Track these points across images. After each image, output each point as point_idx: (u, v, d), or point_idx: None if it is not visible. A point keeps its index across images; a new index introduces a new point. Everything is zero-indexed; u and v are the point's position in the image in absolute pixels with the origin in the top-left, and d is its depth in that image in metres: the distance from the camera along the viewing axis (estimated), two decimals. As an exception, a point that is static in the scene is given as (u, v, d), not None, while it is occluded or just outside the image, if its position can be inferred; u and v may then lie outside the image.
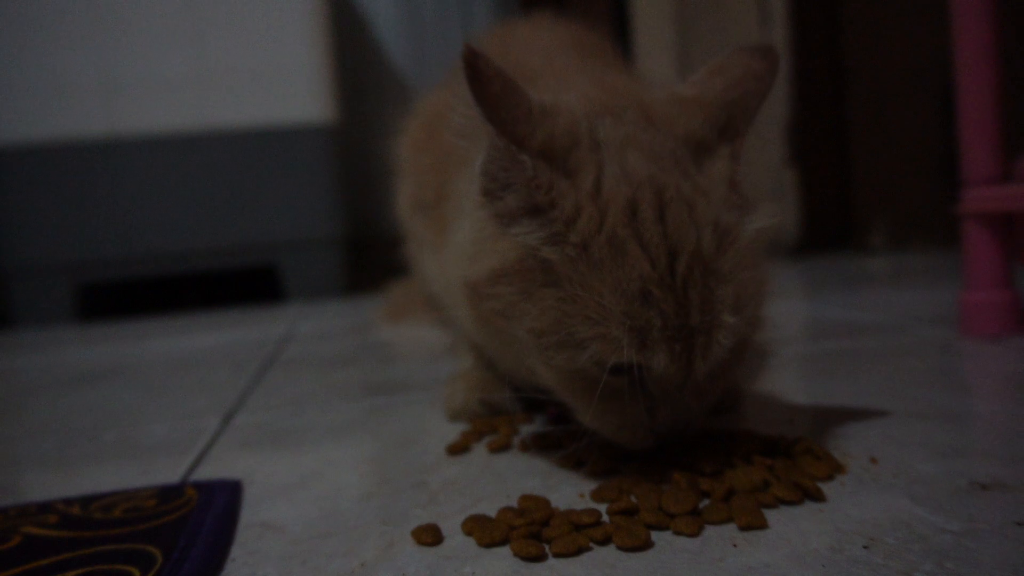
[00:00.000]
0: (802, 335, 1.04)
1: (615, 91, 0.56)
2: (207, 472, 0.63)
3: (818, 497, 0.46)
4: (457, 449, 0.61)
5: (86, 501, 0.55)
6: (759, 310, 0.50)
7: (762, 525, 0.43)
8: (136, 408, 0.92)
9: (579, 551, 0.42)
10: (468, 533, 0.45)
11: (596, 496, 0.49)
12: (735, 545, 0.41)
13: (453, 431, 0.67)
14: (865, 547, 0.39)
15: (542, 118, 0.49)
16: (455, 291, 0.57)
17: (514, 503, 0.48)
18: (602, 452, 0.55)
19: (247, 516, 0.51)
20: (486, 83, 0.46)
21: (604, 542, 0.42)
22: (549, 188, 0.47)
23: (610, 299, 0.46)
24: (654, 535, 0.43)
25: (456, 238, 0.57)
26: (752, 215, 0.51)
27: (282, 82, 2.05)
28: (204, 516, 0.50)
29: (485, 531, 0.44)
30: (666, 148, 0.50)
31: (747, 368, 0.81)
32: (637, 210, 0.47)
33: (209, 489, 0.55)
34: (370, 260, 2.23)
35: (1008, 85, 0.86)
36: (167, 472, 0.64)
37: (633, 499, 0.47)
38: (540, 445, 0.60)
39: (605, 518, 0.45)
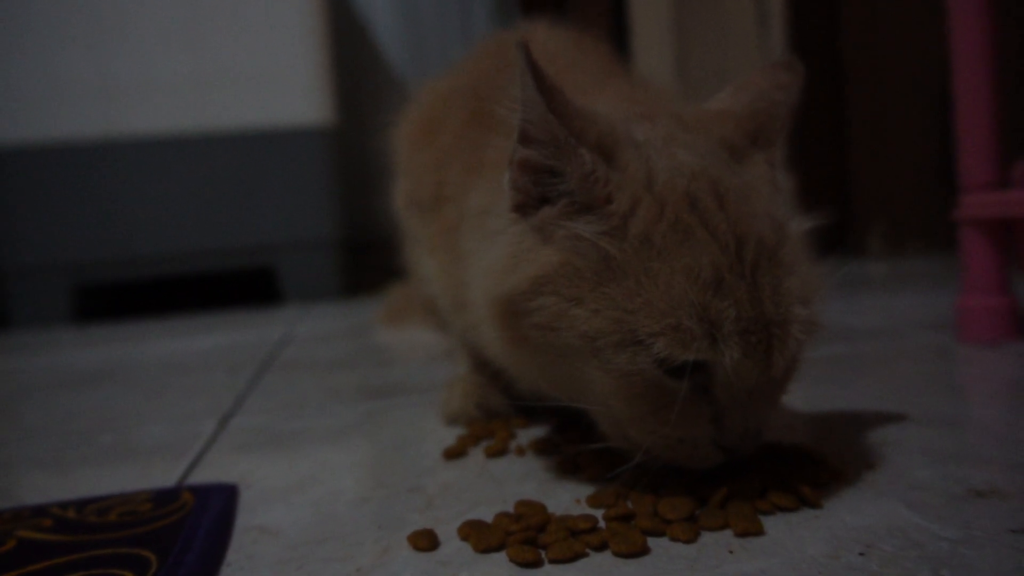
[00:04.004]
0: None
1: (644, 102, 0.56)
2: (203, 475, 0.63)
3: (815, 504, 0.46)
4: (454, 454, 0.61)
5: (81, 504, 0.55)
6: (819, 311, 0.48)
7: (759, 532, 0.43)
8: (133, 410, 0.92)
9: (575, 557, 0.41)
10: (464, 538, 0.45)
11: (592, 502, 0.49)
12: (731, 552, 0.41)
13: (450, 435, 0.67)
14: (861, 554, 0.39)
15: (590, 116, 0.48)
16: (481, 315, 0.53)
17: (510, 508, 0.48)
18: (598, 457, 0.55)
19: (243, 520, 0.51)
20: (544, 77, 0.45)
21: (600, 548, 0.42)
22: (607, 182, 0.46)
23: (679, 288, 0.43)
24: (650, 541, 0.43)
25: (482, 261, 0.53)
26: (795, 218, 0.50)
27: (280, 84, 2.05)
28: (200, 520, 0.50)
29: (481, 536, 0.44)
30: (708, 146, 0.50)
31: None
32: (696, 199, 0.46)
33: (205, 493, 0.55)
34: (368, 262, 2.22)
35: (1005, 90, 0.86)
36: (163, 475, 0.64)
37: (629, 505, 0.47)
38: (537, 450, 0.60)
39: (601, 524, 0.45)
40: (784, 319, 0.45)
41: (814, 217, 0.51)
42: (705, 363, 0.44)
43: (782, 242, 0.47)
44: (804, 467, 0.50)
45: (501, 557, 0.42)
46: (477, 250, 0.56)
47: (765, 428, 0.48)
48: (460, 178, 0.64)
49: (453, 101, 0.72)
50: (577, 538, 0.43)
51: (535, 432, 0.66)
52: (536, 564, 0.41)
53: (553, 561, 0.41)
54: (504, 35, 0.79)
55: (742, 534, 0.43)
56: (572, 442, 0.60)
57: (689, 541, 0.42)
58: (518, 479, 0.55)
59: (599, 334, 0.45)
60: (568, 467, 0.55)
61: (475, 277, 0.55)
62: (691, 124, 0.52)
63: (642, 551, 0.41)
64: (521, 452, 0.61)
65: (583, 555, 0.42)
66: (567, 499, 0.50)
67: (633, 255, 0.45)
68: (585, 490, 0.51)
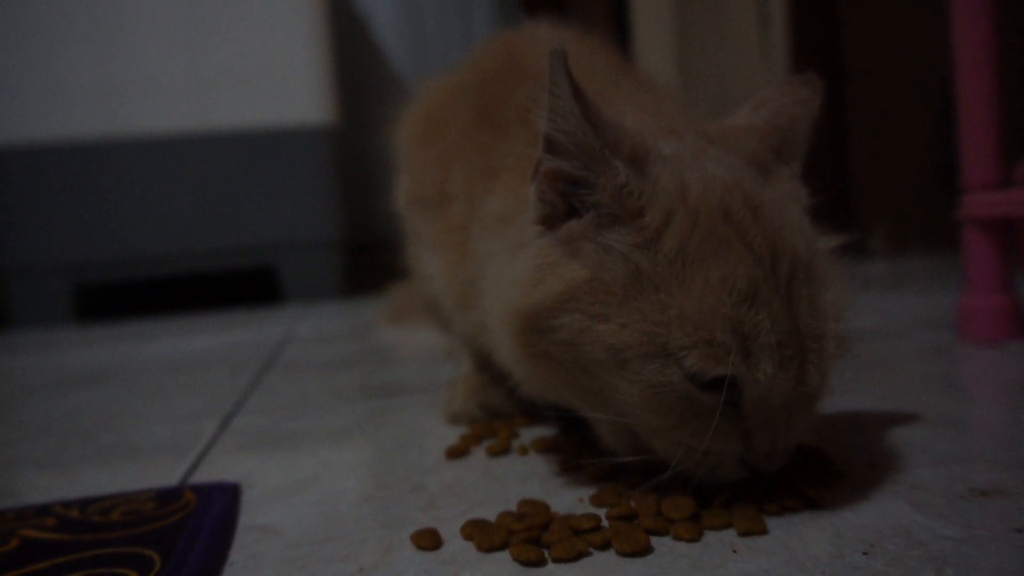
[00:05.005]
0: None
1: (666, 115, 0.55)
2: (205, 475, 0.63)
3: (818, 503, 0.46)
4: (456, 453, 0.61)
5: (84, 504, 0.55)
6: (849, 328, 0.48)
7: (762, 531, 0.43)
8: (135, 410, 0.92)
9: (578, 556, 0.41)
10: (467, 538, 0.45)
11: (595, 501, 0.49)
12: (735, 551, 0.41)
13: (452, 435, 0.67)
14: (865, 553, 0.39)
15: (621, 128, 0.47)
16: (494, 325, 0.52)
17: (513, 508, 0.48)
18: (601, 457, 0.55)
19: (245, 519, 0.51)
20: (579, 86, 0.44)
21: (604, 547, 0.42)
22: (640, 194, 0.45)
23: (713, 300, 0.42)
24: (654, 540, 0.43)
25: (505, 272, 0.52)
26: (823, 234, 0.50)
27: (281, 83, 2.05)
28: (202, 519, 0.50)
29: (484, 536, 0.44)
30: (736, 162, 0.50)
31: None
32: (731, 211, 0.45)
33: (207, 492, 0.55)
34: (369, 262, 2.22)
35: (1008, 90, 0.86)
36: (165, 475, 0.64)
37: (632, 504, 0.47)
38: (540, 449, 0.60)
39: (604, 523, 0.45)
40: (820, 334, 0.44)
41: (841, 235, 0.51)
42: (736, 377, 0.43)
43: (815, 257, 0.47)
44: (807, 466, 0.50)
45: (504, 556, 0.42)
46: (496, 257, 0.55)
47: (793, 446, 0.47)
48: (468, 178, 0.64)
49: (458, 99, 0.72)
50: (580, 537, 0.43)
51: (537, 431, 0.66)
52: (539, 563, 0.41)
53: (556, 560, 0.41)
54: (508, 34, 0.79)
55: (745, 533, 0.43)
56: (575, 442, 0.60)
57: (692, 540, 0.42)
58: (521, 478, 0.55)
59: (627, 347, 0.44)
60: (571, 466, 0.55)
61: (493, 287, 0.54)
62: (716, 139, 0.52)
63: (645, 550, 0.41)
64: (524, 451, 0.61)
65: (586, 554, 0.42)
66: (570, 498, 0.50)
67: (666, 268, 0.44)
68: (588, 489, 0.51)
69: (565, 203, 0.48)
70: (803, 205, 0.51)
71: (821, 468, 0.50)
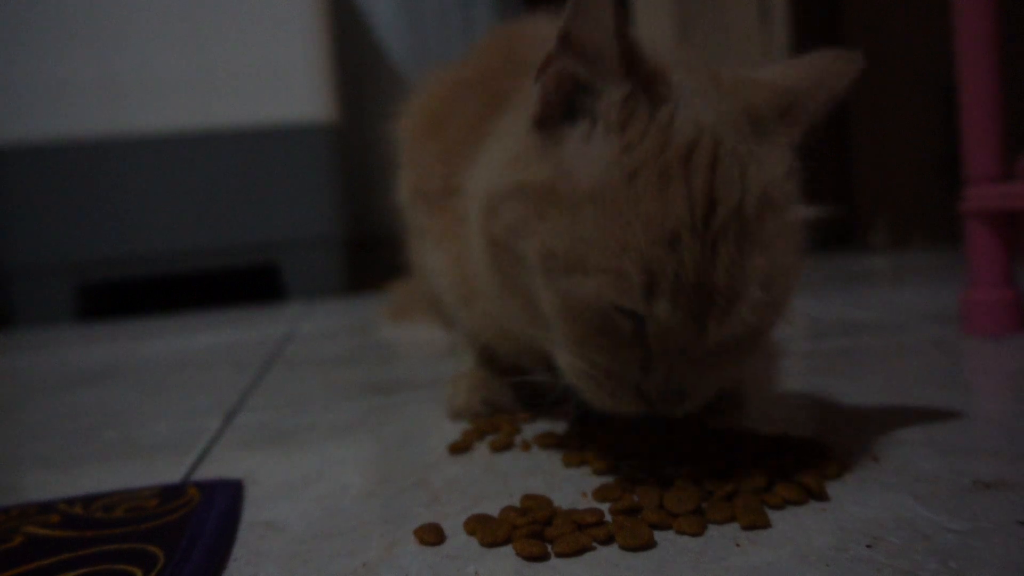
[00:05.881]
0: (804, 334, 1.04)
1: (685, 53, 0.55)
2: (209, 472, 0.63)
3: (821, 496, 0.45)
4: (459, 448, 0.61)
5: (88, 501, 0.55)
6: (787, 300, 0.48)
7: (765, 524, 0.43)
8: (137, 407, 0.92)
9: (582, 550, 0.41)
10: (471, 533, 0.45)
11: (599, 495, 0.48)
12: (738, 545, 0.41)
13: (455, 430, 0.67)
14: (869, 546, 0.39)
15: (643, 46, 0.47)
16: (472, 225, 0.55)
17: (516, 502, 0.48)
18: (605, 452, 0.55)
19: (249, 516, 0.51)
20: None
21: (607, 541, 0.42)
22: (635, 114, 0.46)
23: (636, 232, 0.43)
24: (657, 534, 0.43)
25: (487, 157, 0.55)
26: (799, 205, 0.49)
27: (282, 81, 2.05)
28: (206, 516, 0.50)
29: (488, 531, 0.44)
30: (730, 110, 0.49)
31: (759, 368, 0.81)
32: (692, 154, 0.45)
33: (211, 489, 0.55)
34: (371, 259, 2.22)
35: (1010, 83, 0.86)
36: (169, 472, 0.64)
37: (636, 498, 0.47)
38: (542, 444, 0.60)
39: (608, 517, 0.45)
40: (734, 293, 0.44)
41: (820, 208, 0.50)
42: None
43: (762, 219, 0.46)
44: (810, 460, 0.50)
45: (508, 551, 0.42)
46: (485, 148, 0.58)
47: (696, 396, 0.48)
48: (471, 171, 0.64)
49: (460, 93, 0.72)
50: (583, 532, 0.43)
51: (540, 426, 0.66)
52: (543, 558, 0.41)
53: (560, 555, 0.41)
54: (511, 29, 0.79)
55: (749, 527, 0.43)
56: (578, 436, 0.60)
57: (696, 534, 0.42)
58: (524, 473, 0.55)
59: (553, 254, 0.46)
60: (574, 461, 0.55)
61: (477, 173, 0.56)
62: (724, 83, 0.51)
63: (649, 544, 0.41)
64: (526, 446, 0.61)
65: (589, 548, 0.42)
66: (573, 493, 0.50)
67: (614, 189, 0.45)
68: (591, 484, 0.51)
69: (565, 105, 0.49)
70: (785, 169, 0.49)
71: (824, 461, 0.50)
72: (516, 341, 0.64)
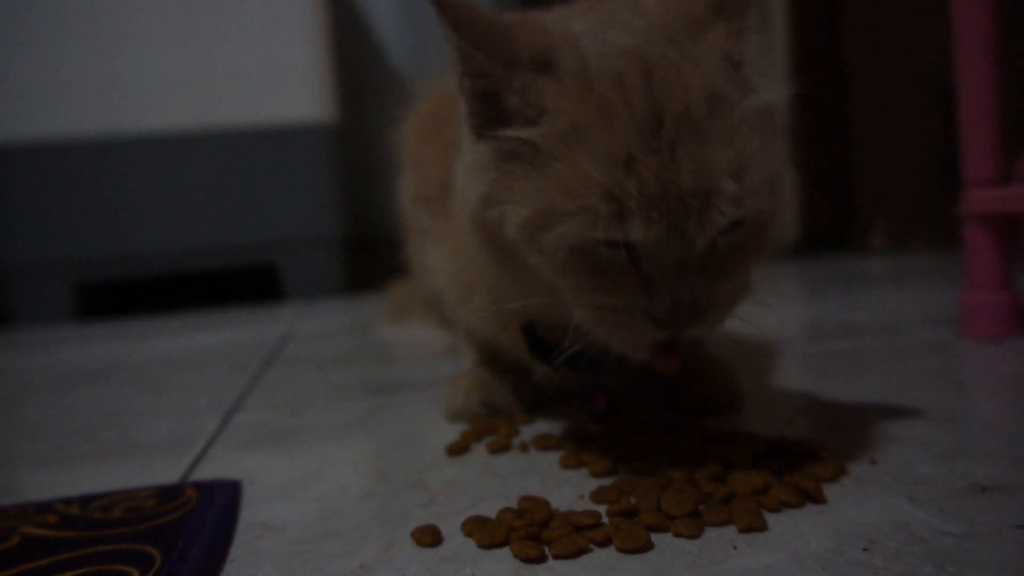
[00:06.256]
0: (802, 336, 1.04)
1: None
2: (206, 472, 0.63)
3: (818, 499, 0.46)
4: (457, 449, 0.61)
5: (85, 501, 0.55)
6: (772, 187, 0.47)
7: (762, 527, 0.43)
8: (135, 407, 0.92)
9: (579, 553, 0.41)
10: (468, 534, 0.45)
11: (596, 497, 0.49)
12: (735, 547, 0.41)
13: (453, 431, 0.67)
14: (865, 549, 0.39)
15: (519, 31, 0.49)
16: (466, 226, 0.56)
17: (514, 504, 0.48)
18: (602, 453, 0.55)
19: (247, 516, 0.51)
20: (458, 10, 0.48)
21: (604, 544, 0.42)
22: (542, 91, 0.47)
23: (591, 169, 0.44)
24: (654, 537, 0.43)
25: (456, 168, 0.57)
26: (755, 93, 0.48)
27: (282, 81, 2.05)
28: (203, 516, 0.50)
29: (485, 532, 0.44)
30: (652, 25, 0.49)
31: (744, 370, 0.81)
32: (623, 78, 0.46)
33: (208, 489, 0.55)
34: (370, 259, 2.22)
35: (1009, 86, 0.86)
36: (166, 472, 0.64)
37: (633, 500, 0.47)
38: (540, 446, 0.60)
39: (605, 520, 0.45)
40: (705, 191, 0.44)
41: (774, 91, 0.50)
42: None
43: (715, 115, 0.45)
44: (807, 463, 0.50)
45: (505, 553, 0.42)
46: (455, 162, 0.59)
47: (714, 310, 0.48)
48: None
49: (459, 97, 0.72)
50: (581, 534, 0.43)
51: (538, 428, 0.66)
52: (540, 560, 0.41)
53: (557, 557, 0.41)
54: None
55: (746, 529, 0.43)
56: (576, 439, 0.60)
57: (693, 537, 0.42)
58: (521, 475, 0.55)
59: (529, 220, 0.47)
60: (571, 463, 0.55)
61: (456, 185, 0.58)
62: (648, 3, 0.52)
63: (646, 547, 0.41)
64: (524, 448, 0.61)
65: (587, 551, 0.42)
66: (571, 495, 0.50)
67: (560, 145, 0.46)
68: (588, 486, 0.51)
69: (493, 111, 0.50)
70: (734, 62, 0.49)
71: (821, 464, 0.50)
72: (516, 330, 0.64)
